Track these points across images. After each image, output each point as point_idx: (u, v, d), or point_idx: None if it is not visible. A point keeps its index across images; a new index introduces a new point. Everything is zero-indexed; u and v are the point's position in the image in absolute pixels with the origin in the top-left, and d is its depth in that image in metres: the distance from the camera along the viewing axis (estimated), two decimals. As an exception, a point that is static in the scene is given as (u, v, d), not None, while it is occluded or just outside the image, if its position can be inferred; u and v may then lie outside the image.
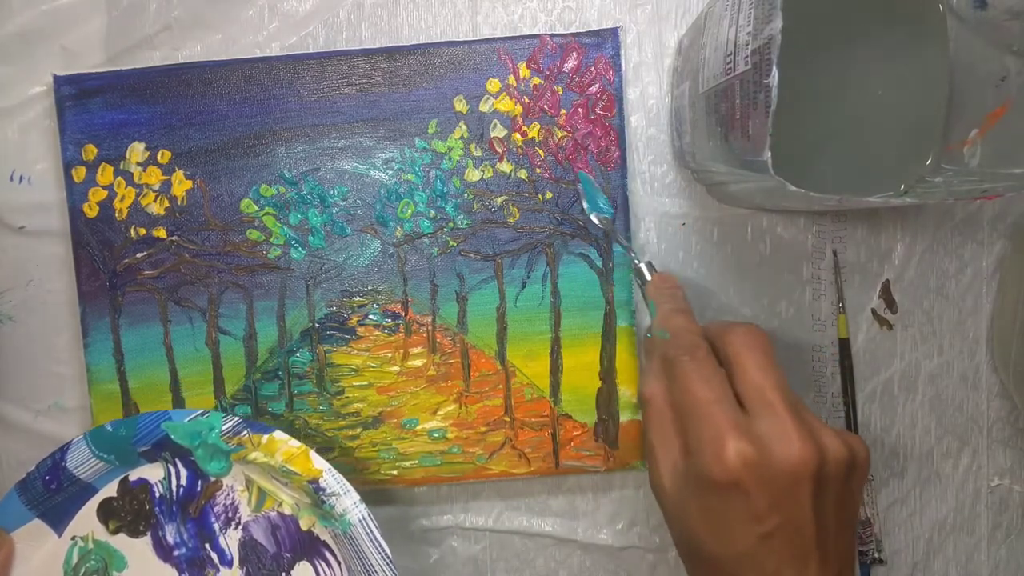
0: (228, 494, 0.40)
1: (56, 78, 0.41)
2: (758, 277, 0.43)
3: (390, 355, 0.42)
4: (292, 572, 0.40)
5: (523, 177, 0.41)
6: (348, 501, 0.38)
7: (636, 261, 0.38)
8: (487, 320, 0.42)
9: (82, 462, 0.39)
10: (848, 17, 0.36)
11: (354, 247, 0.42)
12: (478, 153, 0.41)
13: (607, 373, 0.42)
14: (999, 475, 0.44)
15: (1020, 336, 0.42)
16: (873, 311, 0.43)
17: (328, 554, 0.40)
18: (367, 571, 0.38)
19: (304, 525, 0.40)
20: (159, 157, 0.41)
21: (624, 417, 0.41)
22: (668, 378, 0.32)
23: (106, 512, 0.40)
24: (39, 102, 0.42)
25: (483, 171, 0.41)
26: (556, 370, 0.42)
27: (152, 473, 0.40)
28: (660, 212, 0.42)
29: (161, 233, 0.41)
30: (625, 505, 0.43)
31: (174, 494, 0.40)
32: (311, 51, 0.42)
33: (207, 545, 0.40)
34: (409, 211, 0.42)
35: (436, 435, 0.42)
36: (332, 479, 0.38)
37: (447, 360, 0.42)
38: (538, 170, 0.41)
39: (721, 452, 0.29)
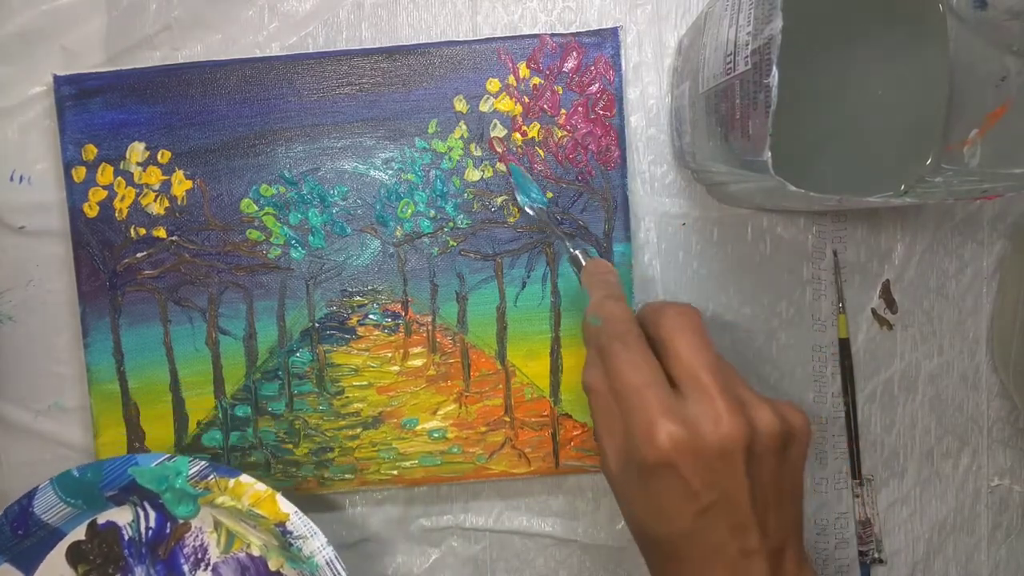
0: (197, 536, 0.41)
1: (56, 78, 0.41)
2: (758, 277, 0.43)
3: (390, 355, 0.42)
4: None
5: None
6: (315, 543, 0.38)
7: (571, 249, 0.38)
8: (487, 320, 0.42)
9: (49, 507, 0.39)
10: (848, 17, 0.36)
11: (354, 247, 0.42)
12: (478, 153, 0.41)
13: (607, 373, 0.42)
14: (999, 475, 0.44)
15: (1020, 336, 0.42)
16: (873, 311, 0.43)
17: None
18: None
19: (273, 566, 0.40)
20: (159, 157, 0.41)
21: (624, 417, 0.41)
22: (603, 365, 0.32)
23: (75, 556, 0.40)
24: (39, 102, 0.42)
25: (483, 171, 0.41)
26: (556, 370, 0.42)
27: (121, 516, 0.40)
28: (660, 212, 0.42)
29: (161, 233, 0.41)
30: (625, 505, 0.43)
31: (143, 536, 0.40)
32: (311, 51, 0.42)
33: None
34: (409, 211, 0.42)
35: (436, 435, 0.42)
36: (299, 522, 0.38)
37: (447, 360, 0.42)
38: (538, 170, 0.41)
39: (652, 435, 0.29)
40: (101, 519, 0.40)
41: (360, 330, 0.42)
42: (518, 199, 0.40)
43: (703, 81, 0.36)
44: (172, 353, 0.42)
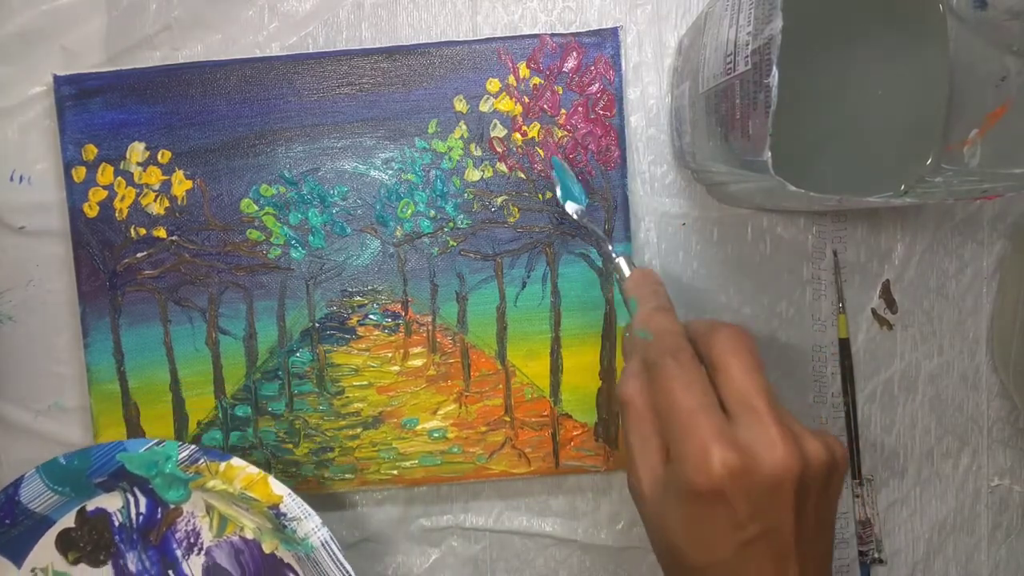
0: (189, 520, 0.40)
1: (56, 78, 0.41)
2: (758, 277, 0.43)
3: (390, 355, 0.42)
4: None
5: (523, 177, 0.41)
6: (310, 525, 0.38)
7: (615, 255, 0.37)
8: (487, 320, 0.42)
9: (36, 495, 0.39)
10: (848, 17, 0.36)
11: (354, 247, 0.42)
12: (478, 153, 0.41)
13: (607, 373, 0.42)
14: (999, 475, 0.44)
15: (1020, 336, 0.42)
16: (873, 311, 0.43)
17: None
18: None
19: (267, 548, 0.40)
20: (159, 157, 0.41)
21: (624, 417, 0.41)
22: (649, 381, 0.31)
23: (65, 543, 0.40)
24: (39, 102, 0.42)
25: (483, 171, 0.41)
26: (556, 370, 0.42)
27: (110, 502, 0.40)
28: (660, 212, 0.42)
29: (161, 233, 0.41)
30: (625, 505, 0.43)
31: (134, 522, 0.40)
32: (311, 51, 0.42)
33: (170, 572, 0.40)
34: (409, 211, 0.42)
35: (436, 435, 0.42)
36: (293, 503, 0.38)
37: (447, 360, 0.42)
38: (538, 170, 0.41)
39: (705, 462, 0.28)
40: (90, 506, 0.40)
41: (360, 330, 0.42)
42: (558, 196, 0.39)
43: (703, 81, 0.36)
44: (172, 353, 0.42)
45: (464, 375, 0.42)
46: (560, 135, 0.41)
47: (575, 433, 0.42)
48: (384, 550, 0.44)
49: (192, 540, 0.40)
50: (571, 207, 0.39)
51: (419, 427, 0.42)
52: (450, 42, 0.41)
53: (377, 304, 0.42)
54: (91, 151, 0.41)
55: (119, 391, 0.42)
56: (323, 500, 0.43)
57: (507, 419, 0.42)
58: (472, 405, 0.42)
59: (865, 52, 0.37)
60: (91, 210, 0.41)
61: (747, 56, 0.31)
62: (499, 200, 0.41)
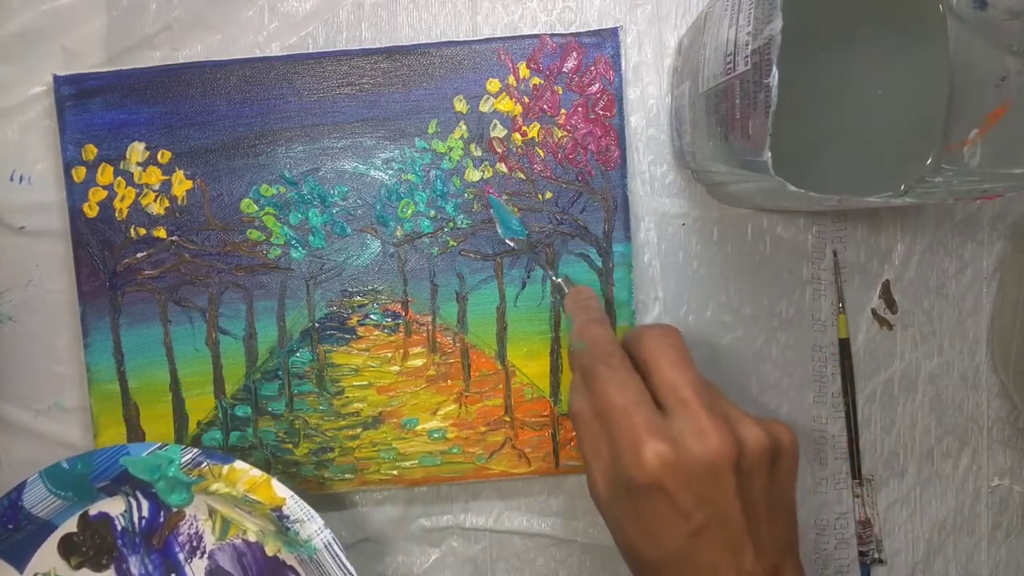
0: (191, 524, 0.40)
1: (56, 78, 0.41)
2: (758, 277, 0.43)
3: (390, 355, 0.42)
4: None
5: (523, 177, 0.41)
6: (312, 527, 0.38)
7: (554, 277, 0.40)
8: (487, 320, 0.42)
9: (39, 500, 0.39)
10: (848, 17, 0.36)
11: (354, 247, 0.42)
12: (478, 153, 0.41)
13: (607, 373, 0.42)
14: (999, 475, 0.44)
15: (1020, 336, 0.42)
16: (873, 311, 0.43)
17: None
18: None
19: (270, 551, 0.40)
20: (159, 157, 0.41)
21: (624, 417, 0.41)
22: (588, 389, 0.32)
23: (67, 548, 0.40)
24: (39, 102, 0.42)
25: (483, 171, 0.41)
26: (556, 370, 0.42)
27: (113, 506, 0.40)
28: (660, 212, 0.42)
29: (161, 233, 0.41)
30: (625, 505, 0.43)
31: (136, 526, 0.40)
32: (311, 51, 0.42)
33: (173, 575, 0.40)
34: (409, 211, 0.42)
35: (436, 435, 0.42)
36: (296, 506, 0.38)
37: (447, 360, 0.42)
38: (538, 170, 0.41)
39: (639, 455, 0.29)
40: (93, 510, 0.40)
41: (360, 330, 0.42)
42: (499, 231, 0.41)
43: (703, 81, 0.36)
44: (172, 353, 0.42)
45: (464, 375, 0.42)
46: (560, 135, 0.41)
47: (575, 433, 0.42)
48: (384, 550, 0.44)
49: (195, 543, 0.40)
50: (511, 240, 0.41)
51: (419, 427, 0.42)
52: (450, 42, 0.41)
53: (377, 304, 0.42)
54: (91, 151, 0.41)
55: (119, 391, 0.42)
56: (323, 500, 0.43)
57: (507, 419, 0.42)
58: (472, 405, 0.42)
59: (865, 52, 0.37)
60: (91, 210, 0.41)
61: (747, 56, 0.31)
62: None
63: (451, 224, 0.41)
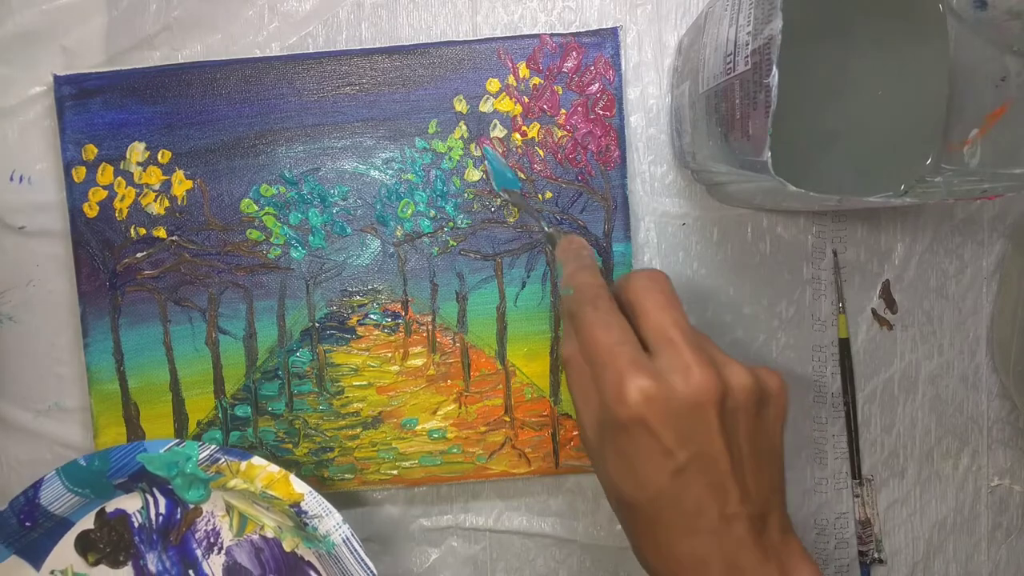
0: (209, 520, 0.40)
1: (56, 78, 0.41)
2: (758, 277, 0.43)
3: (390, 355, 0.42)
4: None
5: (523, 177, 0.41)
6: (331, 522, 0.38)
7: (545, 227, 0.40)
8: (487, 320, 0.42)
9: (56, 498, 0.39)
10: (848, 17, 0.37)
11: (354, 247, 0.42)
12: (478, 153, 0.41)
13: (607, 373, 0.42)
14: (999, 475, 0.44)
15: (1020, 336, 0.42)
16: (873, 311, 0.43)
17: (313, 574, 0.40)
18: None
19: (288, 547, 0.40)
20: (159, 157, 0.41)
21: (624, 417, 0.41)
22: (576, 332, 0.32)
23: (84, 545, 0.40)
24: (39, 102, 0.42)
25: (483, 171, 0.41)
26: (556, 370, 0.42)
27: (129, 503, 0.40)
28: (660, 212, 0.42)
29: (161, 233, 0.41)
30: (625, 505, 0.43)
31: (154, 523, 0.40)
32: (311, 51, 0.42)
33: (191, 572, 0.40)
34: (409, 211, 0.42)
35: (436, 435, 0.42)
36: (314, 501, 0.38)
37: (447, 360, 0.42)
38: (538, 170, 0.41)
39: (622, 391, 0.29)
40: (110, 507, 0.40)
41: (360, 330, 0.42)
42: (492, 183, 0.41)
43: (703, 81, 0.36)
44: (172, 353, 0.42)
45: (464, 375, 0.42)
46: (560, 135, 0.41)
47: (575, 433, 0.42)
48: (384, 550, 0.44)
49: (212, 540, 0.40)
50: (504, 192, 0.40)
51: (419, 427, 0.42)
52: (450, 42, 0.41)
53: (377, 304, 0.42)
54: (91, 151, 0.41)
55: (119, 391, 0.42)
56: (323, 500, 0.43)
57: (507, 419, 0.42)
58: (472, 405, 0.42)
59: (865, 52, 0.37)
60: (91, 210, 0.41)
61: (747, 56, 0.31)
62: (499, 200, 0.41)
63: (451, 224, 0.41)
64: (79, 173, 0.41)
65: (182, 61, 0.42)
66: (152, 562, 0.40)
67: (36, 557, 0.40)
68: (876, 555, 0.43)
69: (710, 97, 0.35)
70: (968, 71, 0.34)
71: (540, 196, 0.41)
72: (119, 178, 0.41)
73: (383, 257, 0.42)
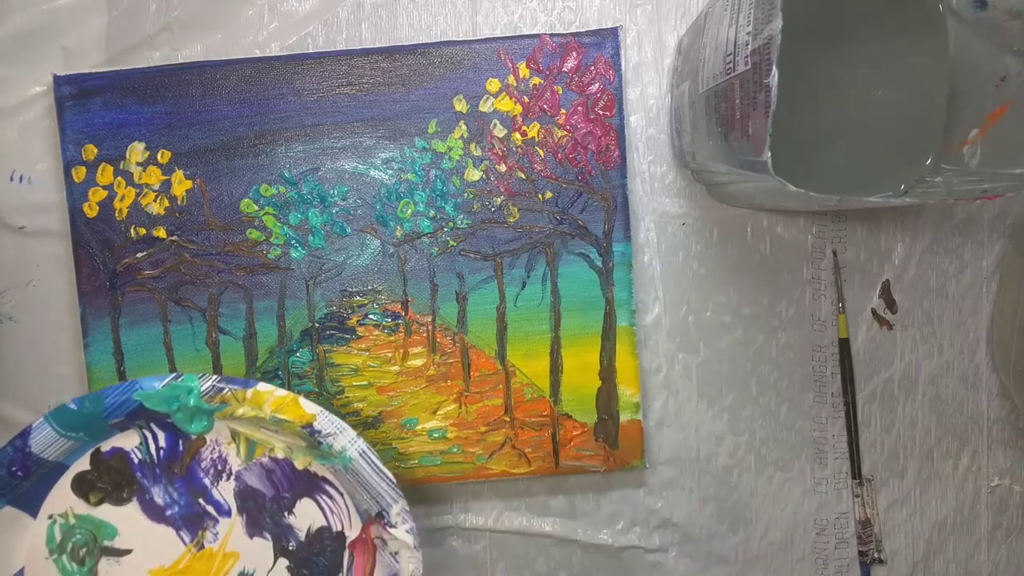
0: (213, 449, 0.40)
1: (56, 78, 0.41)
2: (758, 277, 0.43)
3: (390, 355, 0.42)
4: (295, 510, 0.40)
5: (523, 177, 0.41)
6: (345, 438, 0.38)
7: None
8: (487, 320, 0.42)
9: (49, 444, 0.38)
10: (848, 17, 0.37)
11: (354, 247, 0.42)
12: (478, 153, 0.41)
13: (607, 373, 0.42)
14: (999, 475, 0.44)
15: (1020, 336, 0.42)
16: (873, 311, 0.43)
17: (329, 487, 0.40)
18: (374, 498, 0.38)
19: (299, 465, 0.40)
20: (159, 157, 0.41)
21: (624, 417, 0.41)
22: None
23: (82, 486, 0.40)
24: (39, 102, 0.42)
25: (483, 171, 0.41)
26: (556, 370, 0.42)
27: (126, 441, 0.40)
28: (660, 212, 0.42)
29: (161, 233, 0.41)
30: (625, 505, 0.43)
31: (155, 457, 0.40)
32: (311, 51, 0.42)
33: (200, 500, 0.40)
34: (409, 211, 0.42)
35: (436, 435, 0.42)
36: (326, 420, 0.38)
37: (447, 360, 0.42)
38: (538, 169, 0.41)
39: None
40: (105, 447, 0.40)
41: (360, 330, 0.42)
42: None
43: (703, 81, 0.36)
44: (172, 353, 0.42)
45: (464, 375, 0.42)
46: (560, 135, 0.41)
47: (575, 433, 0.42)
48: (384, 550, 0.44)
49: (220, 467, 0.40)
50: None
51: (419, 427, 0.42)
52: (450, 42, 0.41)
53: (377, 304, 0.42)
54: (91, 151, 0.41)
55: (119, 391, 0.42)
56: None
57: (507, 419, 0.42)
58: (472, 405, 0.42)
59: (865, 52, 0.37)
60: (91, 210, 0.41)
61: (747, 56, 0.31)
62: (499, 200, 0.41)
63: (451, 224, 0.41)
64: (79, 173, 0.41)
65: (182, 61, 0.42)
66: (158, 495, 0.40)
67: (31, 505, 0.40)
68: (876, 555, 0.43)
69: (710, 97, 0.35)
70: (968, 71, 0.34)
71: (540, 196, 0.41)
72: (119, 178, 0.41)
73: (383, 257, 0.42)
